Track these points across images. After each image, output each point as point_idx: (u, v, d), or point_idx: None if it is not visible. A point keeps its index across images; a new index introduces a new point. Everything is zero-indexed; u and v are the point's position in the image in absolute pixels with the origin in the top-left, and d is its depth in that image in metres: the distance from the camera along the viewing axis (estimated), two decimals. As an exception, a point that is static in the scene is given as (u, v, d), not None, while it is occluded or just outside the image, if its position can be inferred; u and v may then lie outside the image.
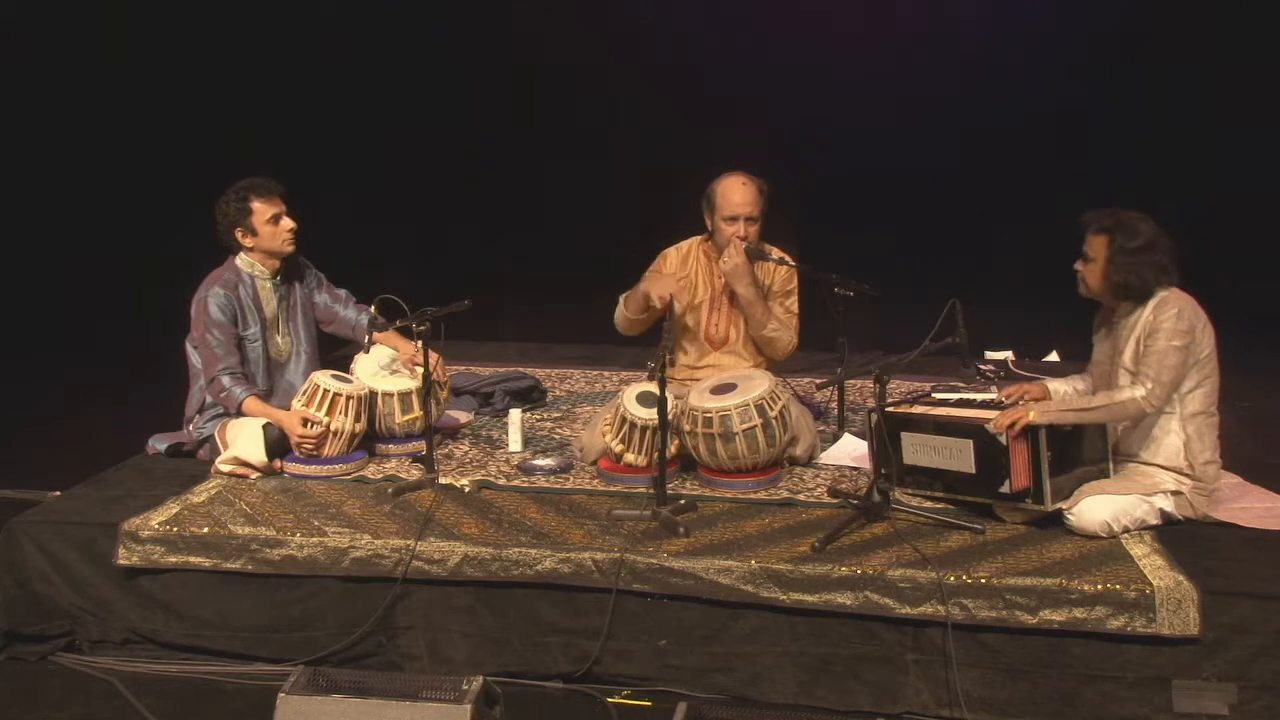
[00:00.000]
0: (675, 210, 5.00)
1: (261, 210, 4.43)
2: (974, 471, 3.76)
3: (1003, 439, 3.64)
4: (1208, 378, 3.77)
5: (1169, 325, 3.67)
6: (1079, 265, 3.86)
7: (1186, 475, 3.76)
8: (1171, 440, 3.77)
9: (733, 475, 4.15)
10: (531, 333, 7.06)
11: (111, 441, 4.84)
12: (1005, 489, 3.68)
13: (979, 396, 4.12)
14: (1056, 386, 4.11)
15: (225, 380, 4.33)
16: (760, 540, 3.68)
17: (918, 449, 3.92)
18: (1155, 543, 3.62)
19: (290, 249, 4.51)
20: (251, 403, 4.33)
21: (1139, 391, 3.65)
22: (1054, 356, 6.04)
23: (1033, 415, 3.63)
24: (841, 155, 8.45)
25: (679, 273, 4.71)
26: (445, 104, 9.06)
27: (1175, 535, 3.69)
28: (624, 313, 4.68)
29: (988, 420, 3.70)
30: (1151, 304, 3.75)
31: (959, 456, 3.79)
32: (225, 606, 3.77)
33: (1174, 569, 3.40)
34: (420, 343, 4.25)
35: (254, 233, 4.44)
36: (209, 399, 4.44)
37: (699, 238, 4.76)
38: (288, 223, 4.48)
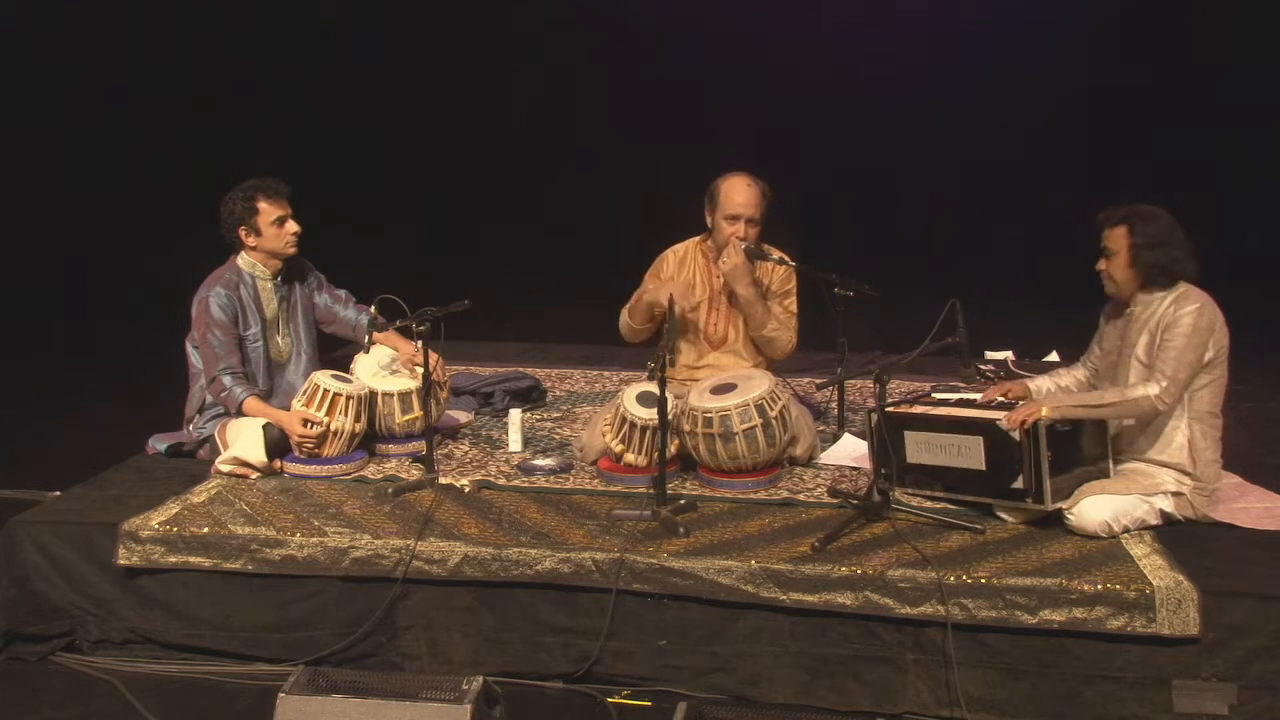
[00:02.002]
0: (675, 210, 5.00)
1: (268, 211, 4.43)
2: (984, 469, 3.75)
3: (1016, 435, 3.63)
4: (1218, 378, 3.76)
5: (1189, 320, 3.65)
6: (1101, 264, 3.83)
7: (1188, 474, 3.76)
8: (1177, 438, 3.76)
9: (733, 475, 4.15)
10: (531, 333, 7.06)
11: (111, 441, 4.84)
12: (1018, 484, 3.67)
13: (979, 396, 4.12)
14: (1040, 384, 4.12)
15: (226, 380, 4.34)
16: (760, 540, 3.68)
17: (923, 447, 3.91)
18: (1155, 543, 3.62)
19: (293, 251, 4.52)
20: (252, 403, 4.33)
21: (1153, 389, 3.63)
22: (1054, 356, 6.03)
23: (1045, 411, 3.62)
24: (842, 155, 8.45)
25: (677, 275, 4.71)
26: (445, 103, 9.06)
27: (1175, 535, 3.69)
28: (630, 323, 4.70)
29: (997, 418, 3.70)
30: (1171, 296, 3.73)
31: (968, 454, 3.79)
32: (225, 606, 3.77)
33: (1174, 569, 3.40)
34: (420, 343, 4.25)
35: (258, 233, 4.45)
36: (209, 399, 4.44)
37: (697, 239, 4.77)
38: (292, 225, 4.48)
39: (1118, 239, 3.77)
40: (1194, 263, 3.75)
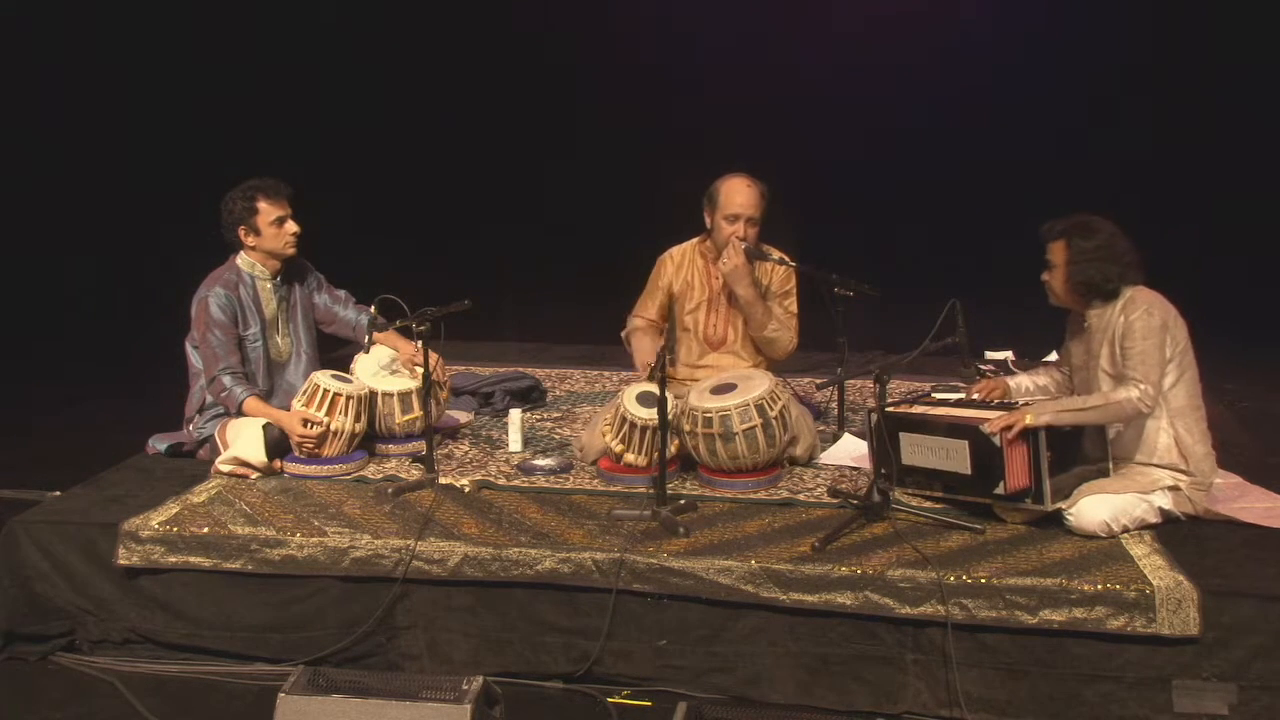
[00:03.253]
0: (674, 209, 5.00)
1: (267, 211, 4.43)
2: (969, 473, 3.76)
3: (997, 440, 3.64)
4: (1186, 371, 3.78)
5: (1141, 323, 3.68)
6: (1045, 276, 3.90)
7: (1182, 471, 3.76)
8: (1162, 439, 3.77)
9: (733, 475, 4.15)
10: (531, 333, 7.06)
11: (111, 441, 4.84)
12: (1000, 490, 3.67)
13: (976, 396, 4.12)
14: (1021, 382, 4.17)
15: (226, 380, 4.34)
16: (760, 540, 3.68)
17: (915, 449, 3.92)
18: (1155, 542, 3.62)
19: (291, 252, 4.51)
20: (252, 403, 4.33)
21: (1134, 392, 3.64)
22: (1053, 357, 6.03)
23: (1029, 419, 3.63)
24: (842, 156, 8.45)
25: (676, 279, 4.72)
26: (444, 104, 9.06)
27: (1175, 535, 3.69)
28: (629, 351, 4.76)
29: (984, 421, 3.70)
30: (1120, 304, 3.76)
31: (955, 457, 3.79)
32: (225, 606, 3.77)
33: (1174, 569, 3.40)
34: (420, 343, 4.25)
35: (257, 232, 4.45)
36: (209, 399, 4.44)
37: (695, 240, 4.77)
38: (292, 226, 4.47)
39: (1057, 253, 3.83)
40: (1135, 273, 3.78)
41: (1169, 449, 3.77)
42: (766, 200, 4.58)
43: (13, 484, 4.68)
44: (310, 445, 4.29)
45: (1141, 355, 3.67)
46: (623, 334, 4.85)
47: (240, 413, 4.36)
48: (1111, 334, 3.76)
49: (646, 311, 4.80)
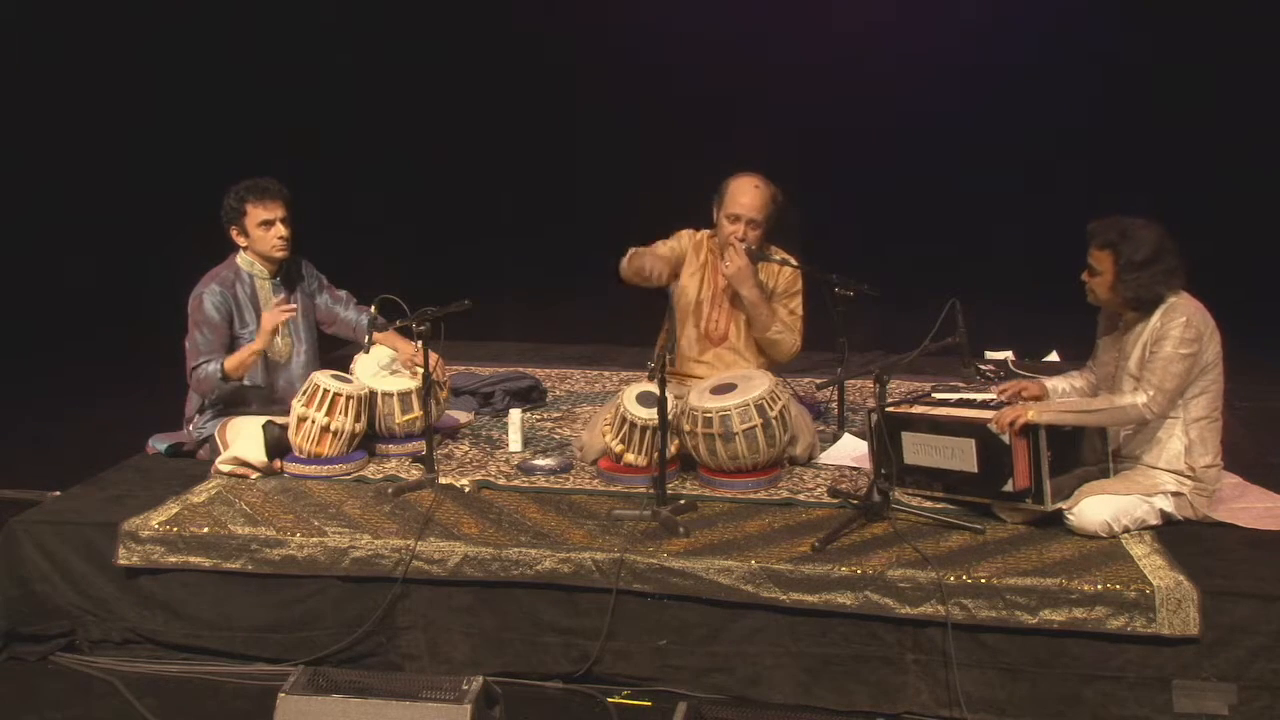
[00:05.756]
0: (674, 210, 4.99)
1: (254, 214, 4.42)
2: (976, 471, 3.76)
3: (1005, 438, 3.63)
4: (1213, 383, 3.75)
5: (1176, 333, 3.64)
6: (1086, 277, 3.81)
7: (1187, 477, 3.76)
8: (1174, 444, 3.76)
9: (733, 475, 4.15)
10: (531, 333, 7.06)
11: (111, 441, 4.84)
12: (1009, 488, 3.67)
13: (979, 396, 4.12)
14: (1056, 384, 4.11)
15: (202, 367, 4.33)
16: (760, 540, 3.68)
17: (918, 449, 3.91)
18: (1155, 543, 3.62)
19: (281, 255, 4.49)
20: (229, 361, 4.33)
21: (1140, 398, 3.64)
22: (1054, 356, 6.04)
23: (1031, 414, 3.62)
24: (842, 155, 8.45)
25: (692, 258, 4.69)
26: (444, 103, 9.06)
27: (1175, 535, 3.69)
28: (626, 265, 4.57)
29: (989, 420, 3.70)
30: (1160, 310, 3.71)
31: (961, 456, 3.79)
32: (225, 606, 3.77)
33: (1174, 569, 3.40)
34: (420, 343, 4.25)
35: (246, 234, 4.45)
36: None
37: (710, 231, 4.74)
38: (279, 229, 4.45)
39: (1103, 261, 3.73)
40: (1179, 279, 3.71)
41: (1178, 456, 3.75)
42: (778, 204, 4.54)
43: (13, 484, 4.68)
44: (291, 313, 4.37)
45: (1165, 363, 3.64)
46: (632, 251, 4.62)
47: (225, 379, 4.33)
48: (1146, 338, 3.71)
49: (652, 248, 4.66)
